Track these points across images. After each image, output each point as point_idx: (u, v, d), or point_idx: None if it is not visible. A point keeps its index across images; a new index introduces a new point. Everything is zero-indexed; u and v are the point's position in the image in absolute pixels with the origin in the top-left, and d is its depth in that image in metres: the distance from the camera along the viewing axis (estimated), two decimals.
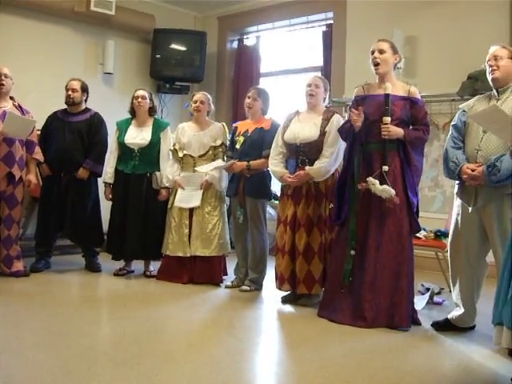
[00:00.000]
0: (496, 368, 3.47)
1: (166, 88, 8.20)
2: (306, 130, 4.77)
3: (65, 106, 5.96)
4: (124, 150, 5.79)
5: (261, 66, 8.41)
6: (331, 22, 7.51)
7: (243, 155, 5.25)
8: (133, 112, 5.88)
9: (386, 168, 4.23)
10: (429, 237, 5.45)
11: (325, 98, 4.97)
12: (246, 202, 5.29)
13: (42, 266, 5.83)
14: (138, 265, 5.90)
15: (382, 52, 4.36)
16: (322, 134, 4.72)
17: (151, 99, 5.93)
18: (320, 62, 7.65)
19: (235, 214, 5.38)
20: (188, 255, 5.50)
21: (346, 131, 4.45)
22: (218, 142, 5.57)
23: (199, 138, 5.59)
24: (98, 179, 6.02)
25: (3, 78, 5.41)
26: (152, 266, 5.86)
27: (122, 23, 7.66)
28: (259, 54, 8.42)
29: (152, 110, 5.93)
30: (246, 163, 5.20)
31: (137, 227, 5.66)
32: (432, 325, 4.26)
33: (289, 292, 4.91)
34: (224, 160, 5.48)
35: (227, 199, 5.75)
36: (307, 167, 4.72)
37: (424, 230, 5.41)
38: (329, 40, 7.50)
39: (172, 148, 5.70)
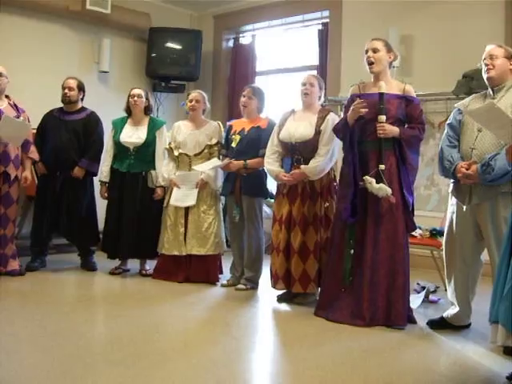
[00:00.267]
0: (491, 366, 3.47)
1: (162, 86, 8.19)
2: (301, 128, 4.78)
3: (61, 105, 5.95)
4: (119, 149, 5.78)
5: (256, 65, 8.40)
6: (327, 20, 7.50)
7: (240, 154, 5.24)
8: (128, 110, 5.87)
9: (382, 167, 4.23)
10: (424, 235, 5.47)
11: (320, 97, 4.97)
12: (242, 200, 5.29)
13: (37, 264, 5.82)
14: (133, 264, 5.89)
15: (375, 51, 4.36)
16: (317, 132, 4.72)
17: (147, 98, 5.92)
18: (316, 60, 7.65)
19: (231, 212, 5.38)
20: (184, 254, 5.50)
21: (341, 128, 4.45)
22: (214, 141, 5.57)
23: (195, 136, 5.58)
24: (94, 178, 6.01)
25: None
26: (148, 264, 5.86)
27: (118, 22, 7.64)
28: (255, 52, 8.40)
29: (148, 109, 5.92)
30: (242, 162, 5.20)
31: (132, 226, 5.66)
32: (427, 323, 4.26)
33: (285, 291, 4.91)
34: (220, 159, 5.48)
35: (222, 198, 5.74)
36: (302, 166, 4.72)
37: (419, 228, 5.42)
38: (324, 39, 7.50)
39: (167, 147, 5.70)
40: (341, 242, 4.43)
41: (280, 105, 6.93)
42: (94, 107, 6.12)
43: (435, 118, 6.33)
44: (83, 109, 5.98)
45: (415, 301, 4.80)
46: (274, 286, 4.92)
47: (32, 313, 4.33)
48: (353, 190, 4.34)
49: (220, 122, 5.80)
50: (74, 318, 4.26)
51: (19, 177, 5.45)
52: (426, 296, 5.05)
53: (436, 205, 6.40)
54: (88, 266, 5.97)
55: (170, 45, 8.16)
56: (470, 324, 4.20)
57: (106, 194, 5.83)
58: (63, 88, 5.87)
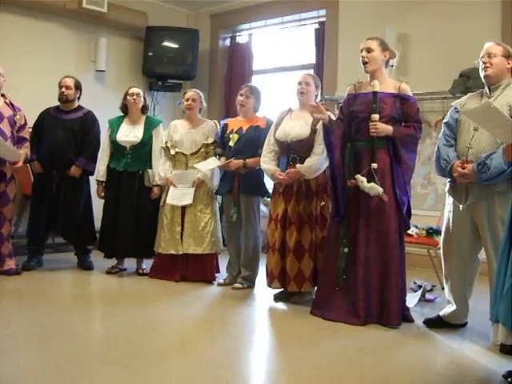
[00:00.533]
0: (488, 364, 3.48)
1: (159, 85, 8.18)
2: (296, 127, 4.78)
3: (57, 103, 5.93)
4: (116, 148, 5.78)
5: (253, 64, 8.40)
6: (323, 19, 7.51)
7: (238, 153, 5.24)
8: (125, 109, 5.86)
9: (374, 165, 4.23)
10: (421, 234, 5.47)
11: (316, 96, 4.97)
12: (240, 199, 5.29)
13: (34, 264, 5.81)
14: (130, 263, 5.89)
15: (369, 51, 4.36)
16: (313, 131, 4.72)
17: (144, 97, 5.92)
18: (312, 59, 7.65)
19: (228, 211, 5.38)
20: (180, 253, 5.50)
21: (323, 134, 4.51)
22: (210, 140, 5.56)
23: (191, 135, 5.58)
24: (90, 177, 6.00)
25: None
26: (144, 263, 5.86)
27: (115, 21, 7.64)
28: (251, 51, 8.40)
29: (144, 108, 5.92)
30: (242, 161, 5.19)
31: (129, 225, 5.66)
32: (424, 322, 4.27)
33: (281, 290, 4.92)
34: (216, 157, 5.47)
35: (219, 197, 5.74)
36: (298, 165, 4.72)
37: (416, 227, 5.44)
38: (321, 38, 7.51)
39: (164, 146, 5.69)
40: (336, 241, 4.43)
41: (276, 104, 6.94)
42: (91, 106, 6.11)
43: (432, 116, 6.34)
44: (80, 108, 5.97)
45: (412, 299, 4.80)
46: (270, 284, 4.92)
47: (29, 312, 4.33)
48: (335, 192, 4.38)
49: (216, 121, 5.80)
50: (71, 317, 4.26)
51: (15, 176, 5.44)
52: (423, 295, 5.05)
53: (433, 204, 6.40)
54: (85, 265, 5.96)
55: (166, 44, 8.15)
56: (466, 323, 4.20)
57: (102, 194, 5.82)
58: (60, 87, 5.85)
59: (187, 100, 5.63)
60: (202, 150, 5.56)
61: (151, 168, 5.72)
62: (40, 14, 7.08)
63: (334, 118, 4.56)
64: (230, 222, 5.42)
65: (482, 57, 3.90)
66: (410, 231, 5.10)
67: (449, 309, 4.15)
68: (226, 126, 5.46)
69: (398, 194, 4.28)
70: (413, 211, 4.50)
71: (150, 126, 5.82)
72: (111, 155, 5.82)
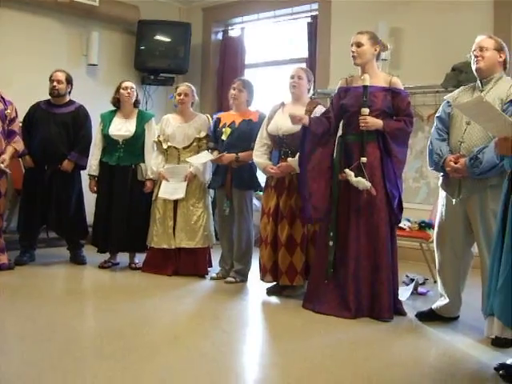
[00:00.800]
0: (480, 357, 3.50)
1: (151, 79, 8.15)
2: (288, 121, 4.75)
3: (48, 98, 5.91)
4: (108, 142, 5.76)
5: (245, 58, 8.37)
6: (316, 13, 7.49)
7: (231, 147, 5.23)
8: (117, 103, 5.84)
9: (364, 159, 4.24)
10: (413, 228, 5.49)
11: (309, 89, 4.97)
12: (233, 193, 5.29)
13: (26, 258, 5.79)
14: (123, 257, 5.88)
15: (359, 45, 4.36)
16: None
17: (136, 91, 5.90)
18: (305, 53, 7.64)
19: (221, 206, 5.38)
20: (173, 247, 5.50)
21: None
22: (203, 134, 5.55)
23: (183, 129, 5.57)
24: (82, 172, 5.99)
25: None
26: (137, 258, 5.85)
27: (106, 14, 7.59)
28: (244, 45, 8.37)
29: (136, 102, 5.90)
30: (234, 155, 5.19)
31: (122, 219, 5.65)
32: (416, 315, 4.28)
33: (274, 283, 4.92)
34: (208, 151, 5.47)
35: (212, 191, 5.74)
36: (289, 159, 4.72)
37: (408, 220, 5.45)
38: (314, 31, 7.49)
39: (156, 140, 5.68)
40: (325, 235, 4.44)
41: (269, 97, 6.93)
42: (83, 100, 6.08)
43: (424, 110, 6.34)
44: (71, 102, 5.95)
45: (404, 293, 4.81)
46: (262, 278, 4.93)
47: (21, 307, 4.32)
48: (308, 189, 4.39)
49: (209, 115, 5.79)
50: (64, 311, 4.26)
51: (7, 171, 5.42)
52: (415, 288, 5.06)
53: (425, 197, 6.42)
54: (77, 259, 5.95)
55: (158, 37, 8.12)
56: (458, 316, 4.22)
57: (95, 188, 5.81)
58: (51, 81, 5.81)
59: (179, 95, 5.61)
60: (195, 144, 5.55)
61: (144, 162, 5.71)
62: (31, 8, 7.04)
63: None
64: (222, 216, 5.42)
65: (474, 50, 3.89)
66: (402, 225, 5.12)
67: (441, 302, 4.17)
68: (218, 120, 5.45)
69: (389, 188, 4.28)
70: (405, 205, 4.50)
71: (143, 120, 5.80)
72: (103, 149, 5.80)
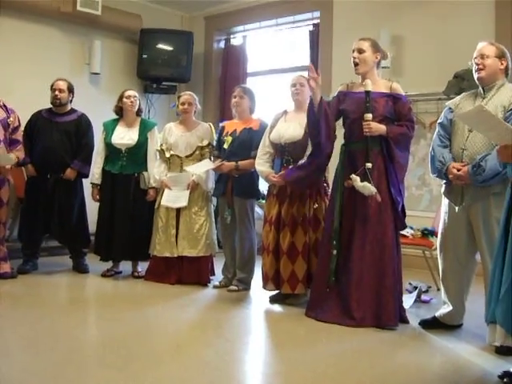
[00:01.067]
0: (483, 365, 3.48)
1: (153, 88, 8.17)
2: (290, 129, 4.78)
3: (49, 106, 5.92)
4: (111, 151, 5.76)
5: (248, 66, 8.40)
6: (318, 21, 7.51)
7: (231, 155, 5.23)
8: (119, 112, 5.85)
9: (369, 165, 4.23)
10: (416, 235, 5.47)
11: (310, 96, 4.96)
12: (234, 202, 5.29)
13: (29, 267, 5.79)
14: (125, 265, 5.88)
15: (361, 52, 4.37)
16: (307, 133, 4.71)
17: (138, 99, 5.91)
18: (307, 61, 7.63)
19: (223, 214, 5.37)
20: (175, 255, 5.49)
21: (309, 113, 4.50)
22: (205, 142, 5.56)
23: (186, 138, 5.58)
24: (84, 180, 5.99)
25: None
26: (140, 266, 5.84)
27: (109, 23, 7.62)
28: (246, 53, 8.40)
29: (139, 111, 5.91)
30: (234, 163, 5.19)
31: (125, 228, 5.65)
32: (420, 323, 4.27)
33: (276, 292, 4.91)
34: (211, 160, 5.47)
35: (214, 199, 5.74)
36: (291, 167, 4.72)
37: (411, 228, 5.43)
38: (315, 39, 7.51)
39: (159, 148, 5.69)
40: (328, 243, 4.43)
41: (271, 105, 6.94)
42: (86, 109, 6.10)
43: (426, 118, 6.34)
44: (73, 110, 5.96)
45: (407, 301, 4.80)
46: (265, 286, 4.93)
47: (24, 316, 4.32)
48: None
49: (211, 124, 5.80)
50: (66, 320, 4.25)
51: (11, 180, 5.42)
52: (418, 296, 5.05)
53: (427, 205, 6.41)
54: (80, 268, 5.95)
55: (161, 46, 8.15)
56: (462, 324, 4.20)
57: (97, 197, 5.81)
58: (53, 90, 5.83)
59: (183, 104, 5.62)
60: (197, 152, 5.55)
61: (146, 170, 5.72)
62: (34, 17, 7.07)
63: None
64: (224, 225, 5.42)
65: (475, 58, 3.89)
66: (405, 232, 5.11)
67: (445, 310, 4.15)
68: (223, 129, 5.46)
69: (394, 194, 4.28)
70: (408, 212, 4.50)
71: (145, 128, 5.81)
72: (106, 158, 5.81)
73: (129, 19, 7.86)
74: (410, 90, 5.31)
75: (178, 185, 5.52)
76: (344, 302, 4.28)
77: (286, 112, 5.01)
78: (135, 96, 5.82)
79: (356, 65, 4.38)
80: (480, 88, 3.94)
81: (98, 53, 7.62)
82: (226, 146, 5.30)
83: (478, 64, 3.87)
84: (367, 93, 4.27)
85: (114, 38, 7.98)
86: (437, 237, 4.31)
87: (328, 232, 4.47)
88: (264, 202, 5.18)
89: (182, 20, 8.85)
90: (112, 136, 5.74)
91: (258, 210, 6.31)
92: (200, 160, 5.53)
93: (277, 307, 4.81)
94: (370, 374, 3.30)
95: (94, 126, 6.00)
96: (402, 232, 4.77)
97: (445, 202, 4.10)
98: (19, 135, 5.57)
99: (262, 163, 4.94)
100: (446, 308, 4.14)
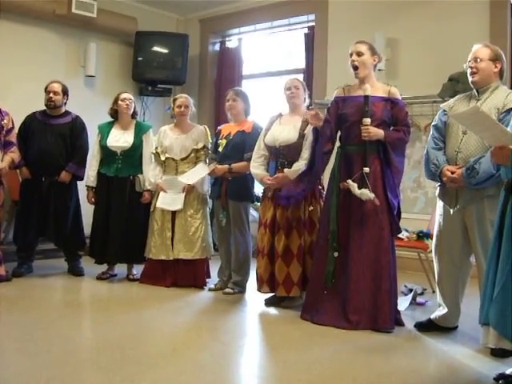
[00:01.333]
0: (479, 367, 3.49)
1: (148, 90, 8.17)
2: (285, 132, 4.78)
3: (43, 108, 5.90)
4: (106, 153, 5.76)
5: (243, 69, 8.41)
6: (313, 24, 7.52)
7: (225, 158, 5.24)
8: (115, 115, 5.85)
9: (366, 170, 4.24)
10: (411, 238, 5.48)
11: (305, 98, 4.99)
12: (228, 204, 5.29)
13: (24, 270, 5.78)
14: (121, 268, 5.87)
15: (359, 54, 4.37)
16: (301, 136, 4.72)
17: (134, 102, 5.91)
18: (302, 64, 7.67)
19: (218, 216, 5.37)
20: (171, 258, 5.49)
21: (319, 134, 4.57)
22: (200, 145, 5.55)
23: (181, 141, 5.57)
24: (78, 182, 5.98)
25: None
26: (135, 269, 5.84)
27: (104, 26, 7.62)
28: (241, 56, 8.41)
29: (134, 113, 5.91)
30: (227, 166, 5.19)
31: (120, 230, 5.64)
32: (415, 325, 4.27)
33: (272, 294, 4.91)
34: (206, 163, 5.47)
35: (210, 202, 5.74)
36: (285, 169, 4.72)
37: (406, 230, 5.44)
38: (311, 42, 7.52)
39: (154, 151, 5.68)
40: (325, 245, 4.43)
41: (267, 108, 6.94)
42: (81, 111, 6.10)
43: (421, 120, 6.35)
44: (67, 112, 5.95)
45: (402, 303, 4.80)
46: (259, 289, 4.93)
47: (19, 319, 4.31)
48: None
49: (206, 126, 5.79)
50: (61, 323, 4.24)
51: (4, 182, 5.41)
52: (414, 298, 5.05)
53: (423, 207, 6.42)
54: (75, 271, 5.93)
55: (156, 49, 8.15)
56: (457, 326, 4.21)
57: (93, 199, 5.80)
58: (47, 92, 5.81)
59: (179, 107, 5.61)
60: (192, 155, 5.55)
61: (142, 173, 5.71)
62: (29, 20, 7.06)
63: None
64: (220, 227, 5.42)
65: (469, 61, 3.90)
66: (400, 235, 5.11)
67: (440, 312, 4.16)
68: (219, 132, 5.48)
69: (390, 198, 4.29)
70: (403, 215, 4.52)
71: (140, 131, 5.81)
72: (101, 161, 5.80)
73: (124, 22, 7.86)
74: (405, 93, 5.31)
75: (173, 188, 5.51)
76: (341, 304, 4.29)
77: (280, 115, 5.01)
78: (130, 99, 5.81)
79: (356, 68, 4.38)
80: (474, 90, 3.95)
81: (93, 55, 7.61)
82: (220, 149, 5.31)
83: (471, 67, 3.87)
84: (366, 97, 4.27)
85: (109, 41, 7.98)
86: (432, 239, 4.31)
87: (323, 234, 4.47)
88: (259, 204, 5.18)
89: (177, 23, 8.86)
90: (107, 139, 5.74)
91: (254, 213, 6.31)
92: (195, 163, 5.53)
93: (272, 310, 4.81)
94: (365, 377, 3.30)
95: (89, 128, 5.99)
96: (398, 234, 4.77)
97: (439, 204, 4.11)
98: (13, 137, 5.55)
99: (256, 166, 4.94)
100: (442, 310, 4.14)
